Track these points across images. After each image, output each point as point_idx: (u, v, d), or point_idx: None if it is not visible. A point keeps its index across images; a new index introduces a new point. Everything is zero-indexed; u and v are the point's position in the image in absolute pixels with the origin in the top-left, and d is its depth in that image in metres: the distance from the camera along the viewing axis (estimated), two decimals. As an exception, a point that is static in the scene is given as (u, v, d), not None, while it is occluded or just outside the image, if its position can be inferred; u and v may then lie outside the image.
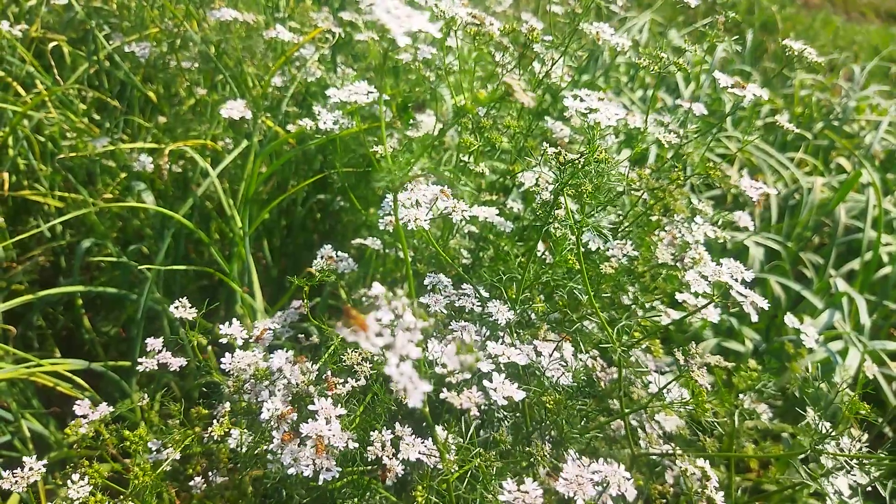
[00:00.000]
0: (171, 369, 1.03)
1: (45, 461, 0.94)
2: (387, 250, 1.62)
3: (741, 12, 6.09)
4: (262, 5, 2.11)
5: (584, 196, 0.75)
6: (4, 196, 1.94)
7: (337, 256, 1.30)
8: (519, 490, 0.58)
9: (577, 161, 0.78)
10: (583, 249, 0.95)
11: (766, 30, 5.83)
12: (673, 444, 1.03)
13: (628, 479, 0.59)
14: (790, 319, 1.15)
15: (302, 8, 2.18)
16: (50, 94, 1.86)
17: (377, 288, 0.53)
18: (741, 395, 1.18)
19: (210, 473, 1.06)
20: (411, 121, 1.69)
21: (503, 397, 0.67)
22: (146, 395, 1.06)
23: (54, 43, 2.09)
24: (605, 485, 0.58)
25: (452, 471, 0.76)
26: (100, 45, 2.01)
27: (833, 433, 0.90)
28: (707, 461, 0.92)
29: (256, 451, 0.93)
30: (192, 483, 1.05)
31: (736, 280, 0.84)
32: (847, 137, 3.19)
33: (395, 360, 0.48)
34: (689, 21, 5.28)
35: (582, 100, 0.80)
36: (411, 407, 0.49)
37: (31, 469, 0.92)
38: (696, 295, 0.95)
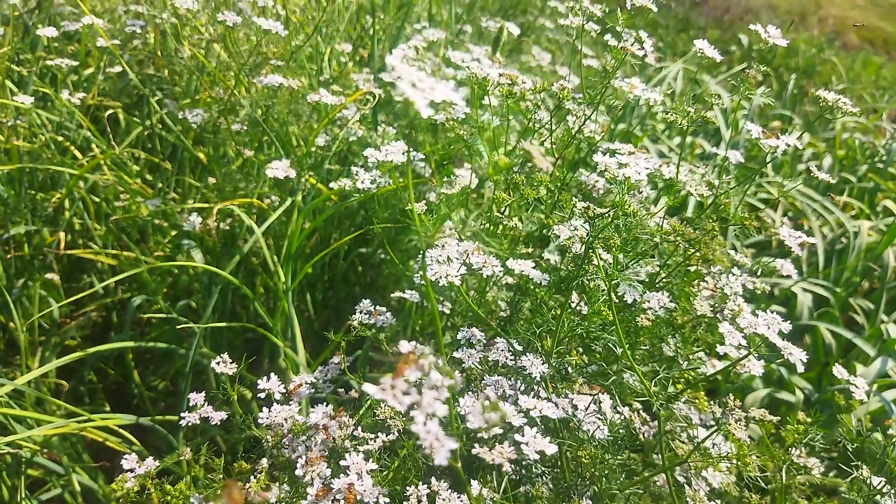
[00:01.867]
0: (214, 423, 1.05)
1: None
2: (426, 303, 1.63)
3: (780, 55, 6.07)
4: (307, 70, 2.21)
5: (613, 249, 0.75)
6: (60, 254, 2.04)
7: (376, 310, 1.32)
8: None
9: (605, 215, 0.80)
10: (618, 301, 0.95)
11: (807, 73, 5.79)
12: (719, 501, 1.00)
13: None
14: (839, 371, 1.12)
15: (345, 71, 2.27)
16: (105, 157, 1.96)
17: (405, 346, 0.55)
18: (791, 450, 1.14)
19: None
20: (448, 177, 1.72)
21: (535, 451, 0.66)
22: (189, 450, 1.08)
23: (111, 111, 2.21)
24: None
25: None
26: (153, 110, 2.12)
27: (887, 489, 0.87)
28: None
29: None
30: (233, 539, 1.06)
31: (773, 331, 0.83)
32: (892, 180, 3.11)
33: (422, 419, 0.49)
34: (727, 67, 5.29)
35: (613, 154, 0.82)
36: (437, 464, 0.49)
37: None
38: (738, 347, 0.94)
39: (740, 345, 0.82)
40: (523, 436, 0.66)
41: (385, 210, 1.84)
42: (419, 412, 0.49)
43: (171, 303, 1.97)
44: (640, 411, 1.12)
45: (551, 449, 0.64)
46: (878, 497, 0.96)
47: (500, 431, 0.67)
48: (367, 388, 0.49)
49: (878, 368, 1.84)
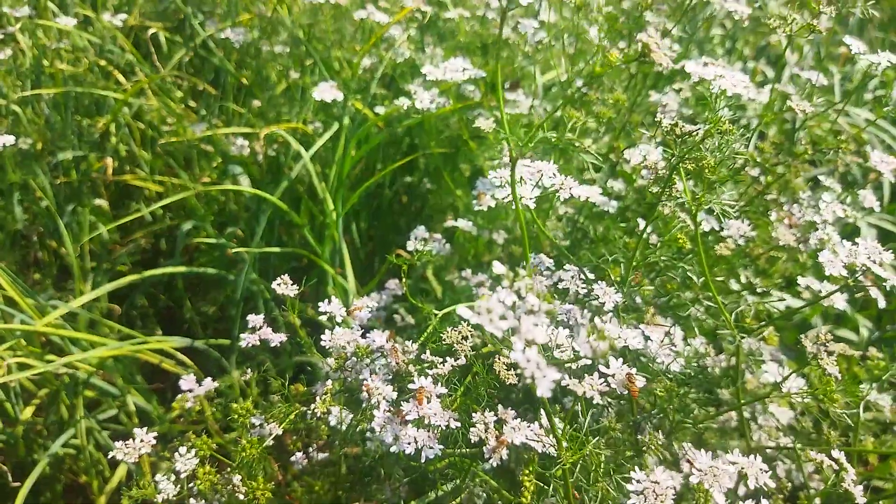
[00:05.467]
0: (272, 345, 1.04)
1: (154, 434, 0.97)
2: (478, 233, 1.59)
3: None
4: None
5: (706, 171, 0.70)
6: (108, 181, 2.03)
7: (431, 235, 1.29)
8: (649, 480, 0.54)
9: (694, 133, 0.73)
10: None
11: (873, -2, 5.41)
12: (792, 438, 0.97)
13: (766, 472, 0.55)
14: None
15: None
16: (150, 80, 1.92)
17: (499, 267, 0.51)
18: (863, 386, 1.10)
19: (309, 450, 1.08)
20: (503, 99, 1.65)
21: (621, 384, 0.63)
22: (249, 370, 1.08)
23: (152, 31, 2.16)
24: (743, 477, 0.54)
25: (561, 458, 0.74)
26: (195, 32, 2.06)
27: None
28: (843, 453, 0.85)
29: (357, 429, 0.93)
30: (292, 459, 1.06)
31: (874, 262, 0.77)
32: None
33: (521, 346, 0.46)
34: (786, -9, 4.98)
35: (705, 65, 0.75)
36: (539, 395, 0.46)
37: (141, 441, 0.95)
38: (823, 279, 0.88)
39: (839, 275, 0.76)
40: (608, 367, 0.62)
41: (433, 137, 1.78)
42: (518, 339, 0.45)
43: (218, 230, 1.97)
44: (706, 345, 1.08)
45: (640, 382, 0.61)
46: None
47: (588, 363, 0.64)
48: (462, 311, 0.45)
49: (948, 308, 1.77)
